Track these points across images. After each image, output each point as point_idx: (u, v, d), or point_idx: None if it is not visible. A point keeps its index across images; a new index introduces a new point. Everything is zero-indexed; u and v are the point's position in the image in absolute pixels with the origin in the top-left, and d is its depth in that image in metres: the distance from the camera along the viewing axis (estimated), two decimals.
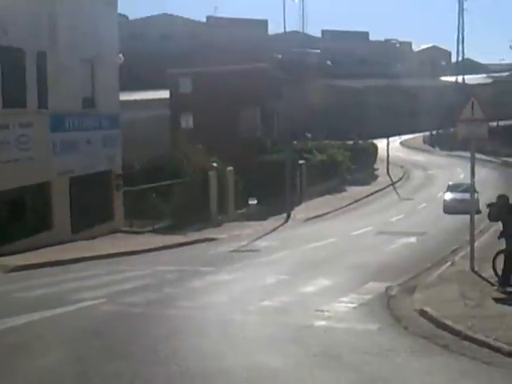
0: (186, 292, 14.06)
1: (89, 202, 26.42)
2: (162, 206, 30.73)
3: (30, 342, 9.59)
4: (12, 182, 21.97)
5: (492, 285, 13.49)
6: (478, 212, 20.72)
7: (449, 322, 10.64)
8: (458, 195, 34.51)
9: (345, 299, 13.10)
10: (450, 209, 34.98)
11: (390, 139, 61.36)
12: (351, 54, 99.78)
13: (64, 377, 7.97)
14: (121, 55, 29.71)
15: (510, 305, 11.90)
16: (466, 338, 9.91)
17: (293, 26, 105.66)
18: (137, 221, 29.41)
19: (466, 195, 30.67)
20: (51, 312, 11.55)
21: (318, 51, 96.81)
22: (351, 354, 9.15)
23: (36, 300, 12.87)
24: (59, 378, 7.96)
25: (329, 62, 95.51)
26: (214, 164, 34.68)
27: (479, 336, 9.86)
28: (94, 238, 25.31)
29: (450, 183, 39.21)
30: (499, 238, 14.10)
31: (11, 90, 22.17)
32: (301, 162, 44.41)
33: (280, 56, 77.79)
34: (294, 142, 44.15)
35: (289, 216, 35.09)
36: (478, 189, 18.67)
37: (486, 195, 20.53)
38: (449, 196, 36.67)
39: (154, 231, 28.87)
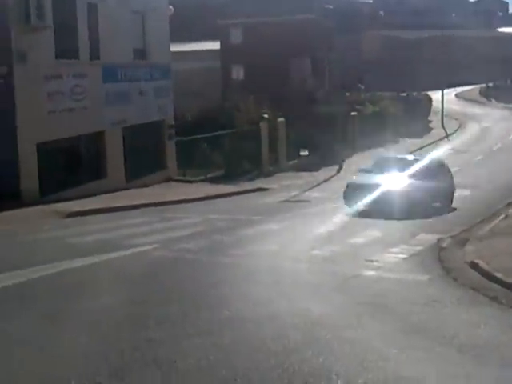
0: (237, 240, 14.22)
1: (142, 152, 26.83)
2: (214, 155, 30.98)
3: (85, 284, 9.92)
4: (67, 131, 22.33)
5: None
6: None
7: (499, 275, 10.50)
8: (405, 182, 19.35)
9: (395, 250, 13.03)
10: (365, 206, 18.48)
11: (445, 91, 59.97)
12: (404, 4, 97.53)
13: (117, 317, 8.18)
14: (171, 6, 29.73)
15: None
16: None
17: None
18: (190, 170, 29.78)
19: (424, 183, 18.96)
20: (105, 256, 11.84)
21: (371, 1, 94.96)
22: (399, 304, 9.15)
23: (91, 245, 13.18)
24: (113, 317, 8.16)
25: (381, 13, 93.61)
26: (265, 115, 34.63)
27: None
28: (147, 186, 25.71)
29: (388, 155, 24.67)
30: None
31: (64, 42, 22.35)
32: (353, 113, 43.96)
33: (331, 6, 76.39)
34: (347, 94, 43.61)
35: (340, 167, 34.92)
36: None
37: None
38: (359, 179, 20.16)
39: (207, 180, 29.18)
